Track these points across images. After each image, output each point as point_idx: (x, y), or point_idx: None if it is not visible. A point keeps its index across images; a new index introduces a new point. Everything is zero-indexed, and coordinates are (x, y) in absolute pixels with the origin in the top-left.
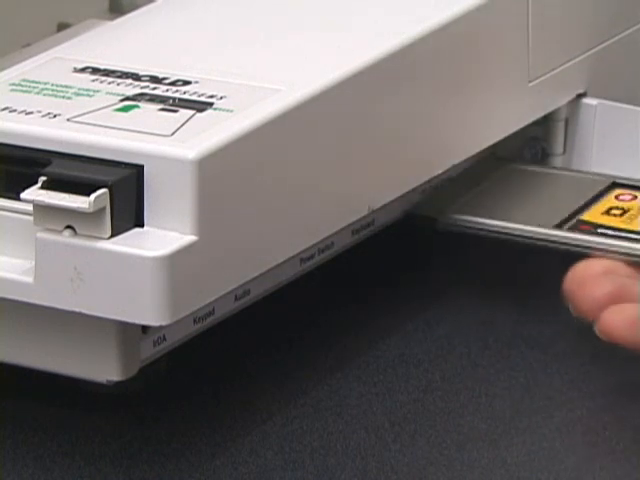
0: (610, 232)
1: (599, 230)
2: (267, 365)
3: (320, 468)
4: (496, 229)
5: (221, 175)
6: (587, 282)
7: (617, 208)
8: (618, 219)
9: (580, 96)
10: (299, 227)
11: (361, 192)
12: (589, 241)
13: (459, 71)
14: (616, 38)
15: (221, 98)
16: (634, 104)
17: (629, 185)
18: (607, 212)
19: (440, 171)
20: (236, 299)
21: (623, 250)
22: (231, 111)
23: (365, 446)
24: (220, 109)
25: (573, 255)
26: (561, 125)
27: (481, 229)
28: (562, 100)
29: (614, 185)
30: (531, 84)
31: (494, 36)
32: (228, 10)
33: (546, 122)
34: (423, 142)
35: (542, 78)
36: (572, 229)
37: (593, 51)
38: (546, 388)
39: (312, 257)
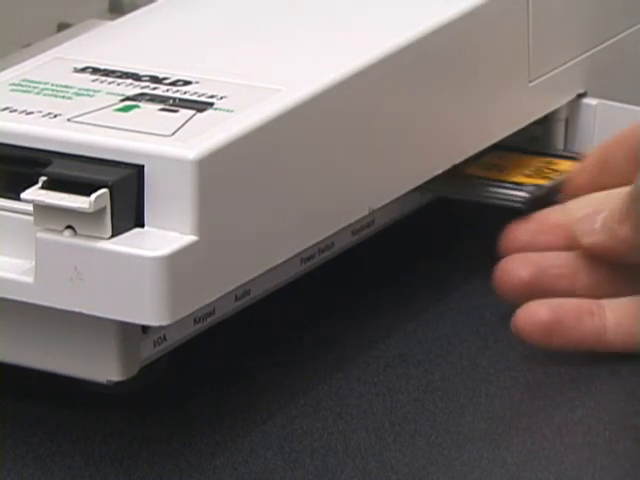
0: (483, 181)
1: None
2: (267, 365)
3: (320, 468)
4: None
5: (221, 175)
6: (507, 264)
7: (497, 165)
8: (496, 173)
9: (580, 96)
10: (299, 227)
11: (361, 192)
12: (460, 188)
13: (459, 71)
14: (616, 38)
15: (221, 98)
16: (634, 104)
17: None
18: (487, 168)
19: (440, 171)
20: (236, 299)
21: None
22: (231, 111)
23: (365, 446)
24: (220, 109)
25: None
26: (561, 125)
27: None
28: (562, 100)
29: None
30: (531, 84)
31: (494, 36)
32: (228, 10)
33: (546, 122)
34: (423, 142)
35: (542, 78)
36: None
37: (593, 51)
38: (546, 388)
39: (312, 257)
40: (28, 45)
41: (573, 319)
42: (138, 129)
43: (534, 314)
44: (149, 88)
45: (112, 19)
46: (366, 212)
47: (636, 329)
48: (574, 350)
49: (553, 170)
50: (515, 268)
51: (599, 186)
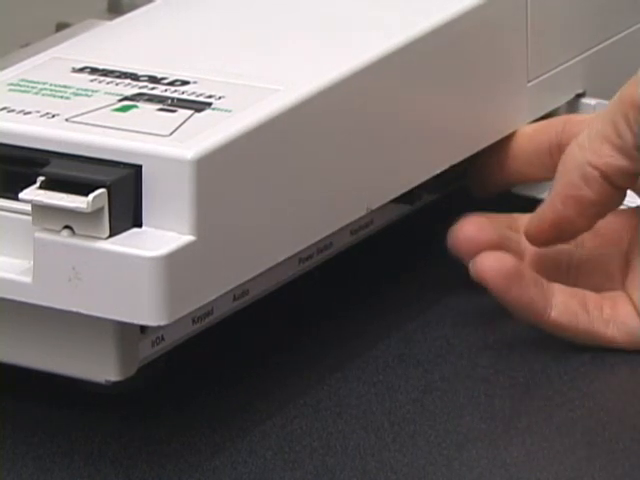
0: None
1: None
2: (267, 365)
3: (320, 468)
4: None
5: (219, 175)
6: (470, 224)
7: None
8: None
9: (579, 96)
10: (297, 227)
11: (359, 192)
12: None
13: (458, 71)
14: (615, 38)
15: (219, 98)
16: None
17: None
18: None
19: (438, 171)
20: (235, 299)
21: None
22: (229, 111)
23: (365, 446)
24: (218, 109)
25: None
26: None
27: None
28: (561, 100)
29: None
30: (530, 84)
31: (493, 36)
32: (227, 10)
33: None
34: (421, 142)
35: (541, 78)
36: None
37: (592, 51)
38: (546, 388)
39: (311, 257)
40: (26, 45)
41: (531, 279)
42: (136, 129)
43: (500, 259)
44: (147, 88)
45: (111, 19)
46: (364, 212)
47: (578, 315)
48: (518, 313)
49: None
50: (481, 227)
51: (516, 175)
